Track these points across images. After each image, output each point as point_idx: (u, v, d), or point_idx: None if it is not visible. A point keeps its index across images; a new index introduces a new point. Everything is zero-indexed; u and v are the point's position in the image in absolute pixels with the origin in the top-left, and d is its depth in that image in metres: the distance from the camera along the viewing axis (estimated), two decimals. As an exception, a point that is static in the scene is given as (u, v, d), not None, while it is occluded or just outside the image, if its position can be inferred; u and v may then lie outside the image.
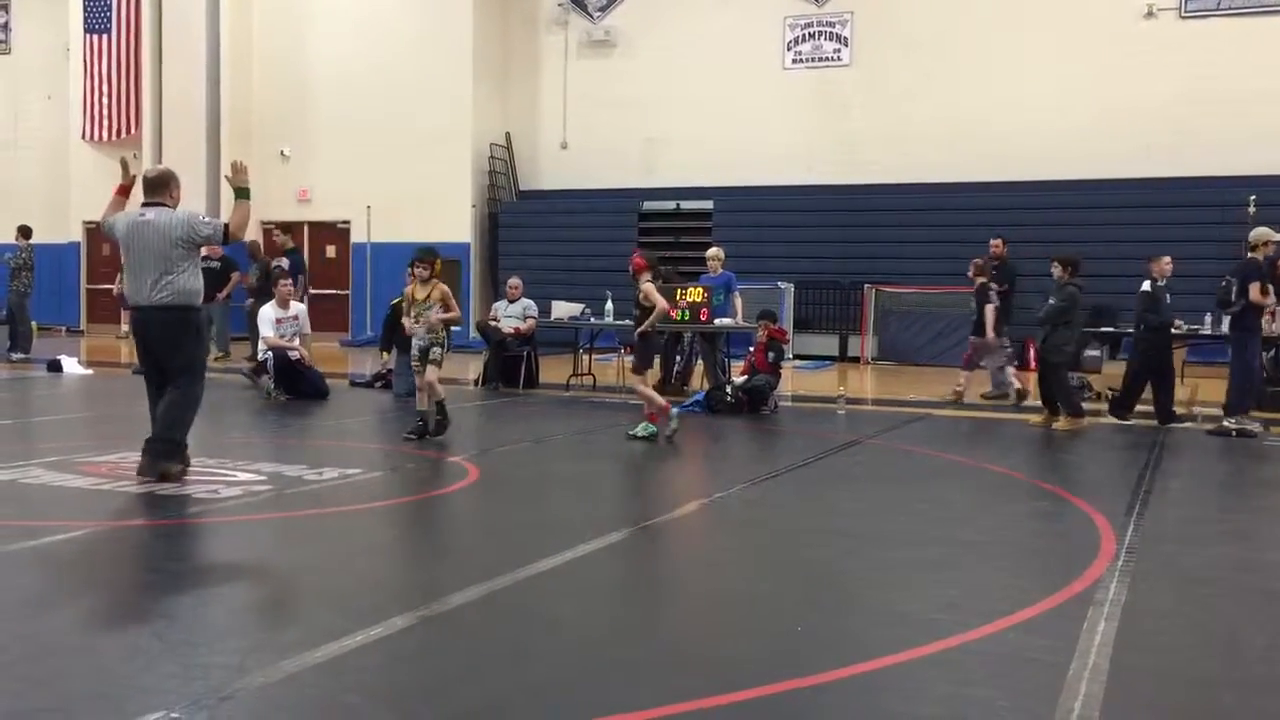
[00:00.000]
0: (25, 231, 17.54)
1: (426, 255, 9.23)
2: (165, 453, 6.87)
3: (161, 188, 7.11)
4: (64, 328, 24.12)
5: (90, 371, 15.06)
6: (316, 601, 4.72)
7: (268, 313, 12.23)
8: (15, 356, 16.37)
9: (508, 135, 22.66)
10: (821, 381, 15.35)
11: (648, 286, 9.43)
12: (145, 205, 7.05)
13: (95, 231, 23.95)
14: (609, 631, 4.26)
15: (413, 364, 9.30)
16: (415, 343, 9.18)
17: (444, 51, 21.64)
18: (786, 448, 9.82)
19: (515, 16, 22.59)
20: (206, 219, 7.18)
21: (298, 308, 12.44)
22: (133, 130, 23.79)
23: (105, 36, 23.83)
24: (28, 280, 17.11)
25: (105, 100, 23.99)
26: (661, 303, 9.45)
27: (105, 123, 24.02)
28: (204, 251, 18.18)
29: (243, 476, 7.15)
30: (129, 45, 23.70)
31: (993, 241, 14.82)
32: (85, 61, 24.05)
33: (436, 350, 9.03)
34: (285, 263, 16.19)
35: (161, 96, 23.33)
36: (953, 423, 11.27)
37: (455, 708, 3.40)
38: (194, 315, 7.06)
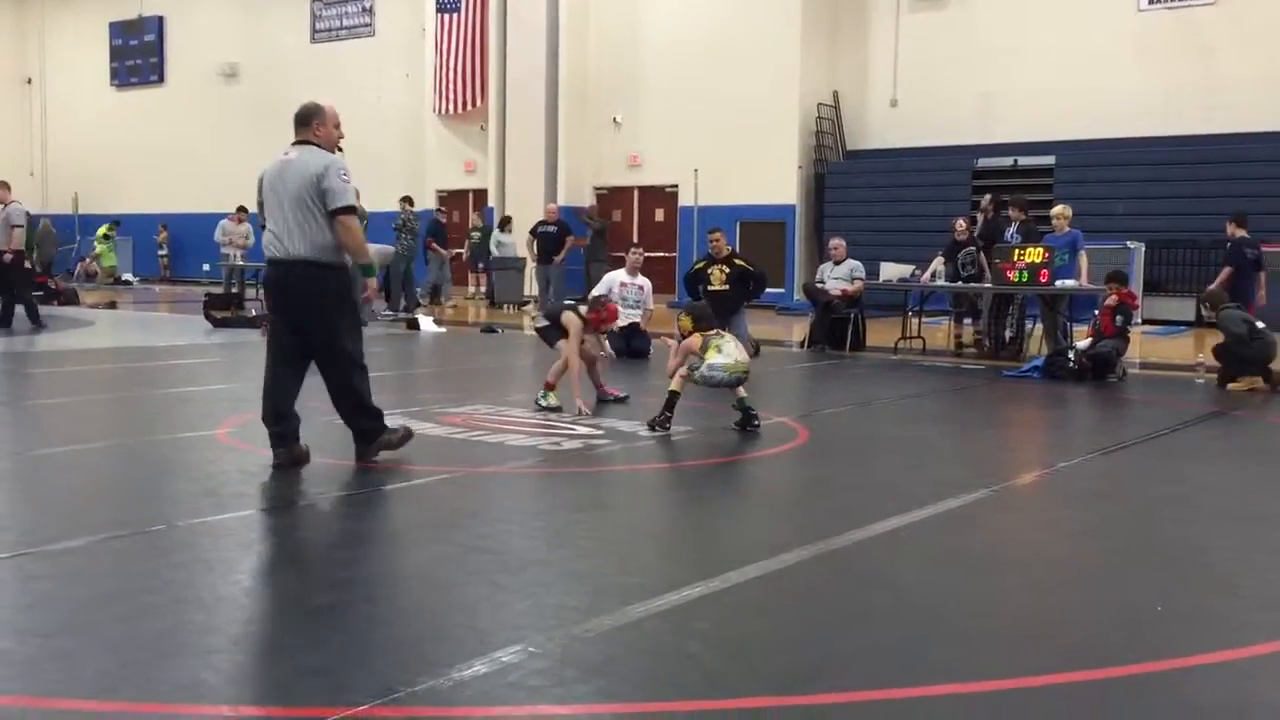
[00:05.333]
0: (408, 200, 19.43)
1: None
2: (366, 433, 6.17)
3: (303, 125, 6.01)
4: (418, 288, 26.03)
5: (443, 330, 16.17)
6: (655, 552, 4.86)
7: (616, 275, 12.34)
8: (384, 314, 17.34)
9: (835, 95, 22.33)
10: (1176, 348, 14.25)
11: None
12: (293, 145, 6.01)
13: (445, 199, 25.70)
14: (950, 599, 4.11)
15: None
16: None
17: (772, 13, 21.57)
18: (1137, 417, 9.17)
19: (845, -27, 22.18)
20: (343, 175, 5.83)
21: (644, 280, 12.36)
22: (478, 103, 25.28)
23: (455, 15, 25.40)
24: (408, 242, 18.55)
25: (453, 75, 25.61)
26: None
27: (453, 96, 25.66)
28: (542, 215, 19.44)
29: (582, 430, 7.47)
30: (476, 22, 25.16)
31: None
32: (436, 39, 25.76)
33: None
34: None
35: (506, 69, 24.60)
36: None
37: (795, 663, 3.40)
38: (334, 274, 5.92)
